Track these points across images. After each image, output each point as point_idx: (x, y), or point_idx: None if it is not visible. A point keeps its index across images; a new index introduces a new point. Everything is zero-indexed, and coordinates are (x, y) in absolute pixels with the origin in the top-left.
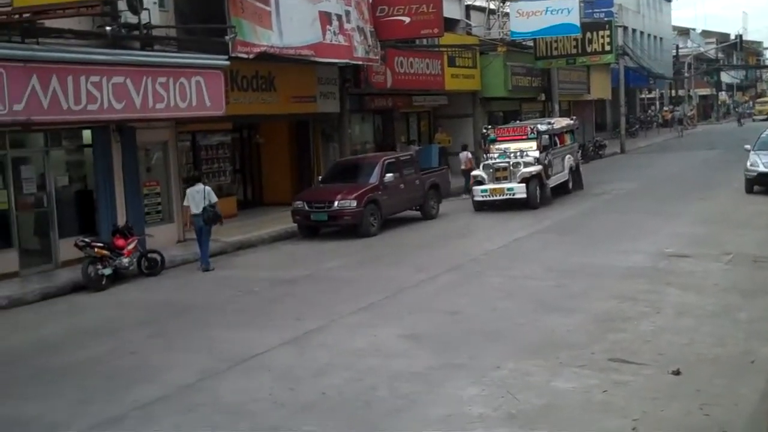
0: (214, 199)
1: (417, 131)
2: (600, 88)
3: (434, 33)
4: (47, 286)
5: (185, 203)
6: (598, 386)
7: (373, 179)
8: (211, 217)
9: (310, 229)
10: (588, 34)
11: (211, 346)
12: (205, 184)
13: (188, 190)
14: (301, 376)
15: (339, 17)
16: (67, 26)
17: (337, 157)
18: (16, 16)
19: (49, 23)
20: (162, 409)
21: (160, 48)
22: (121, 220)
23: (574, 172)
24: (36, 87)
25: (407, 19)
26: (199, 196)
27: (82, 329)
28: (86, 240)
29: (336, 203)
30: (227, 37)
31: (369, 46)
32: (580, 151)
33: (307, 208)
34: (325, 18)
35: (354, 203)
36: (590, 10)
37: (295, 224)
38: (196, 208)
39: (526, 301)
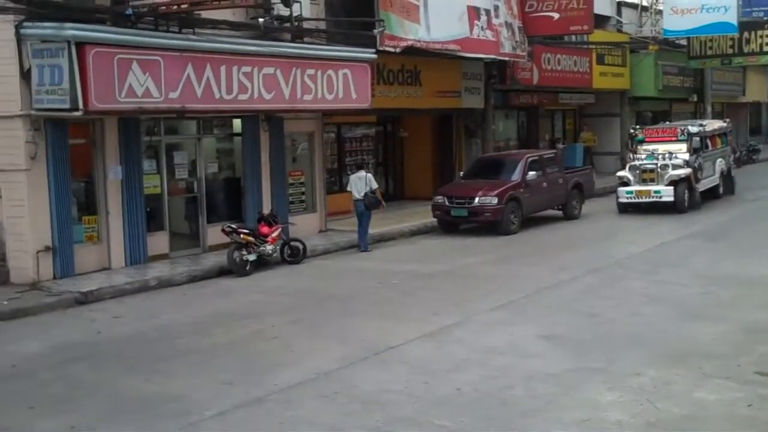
0: (375, 185)
1: (562, 129)
2: (756, 90)
3: (584, 29)
4: (194, 269)
5: (348, 189)
6: (743, 399)
7: (516, 177)
8: (372, 202)
9: (449, 225)
10: (745, 34)
11: (350, 336)
12: (367, 171)
13: (351, 177)
14: (436, 371)
15: (487, 12)
16: (222, 17)
17: (479, 153)
18: (175, 6)
19: (205, 14)
20: (300, 393)
21: (309, 40)
22: (267, 208)
23: (726, 176)
24: (191, 76)
25: (556, 15)
26: (361, 183)
27: (227, 312)
28: (233, 226)
29: (477, 199)
30: (375, 31)
31: (516, 41)
32: (733, 155)
33: (447, 203)
34: (474, 13)
35: (495, 200)
36: (748, 9)
37: (435, 219)
38: (357, 194)
39: (669, 307)
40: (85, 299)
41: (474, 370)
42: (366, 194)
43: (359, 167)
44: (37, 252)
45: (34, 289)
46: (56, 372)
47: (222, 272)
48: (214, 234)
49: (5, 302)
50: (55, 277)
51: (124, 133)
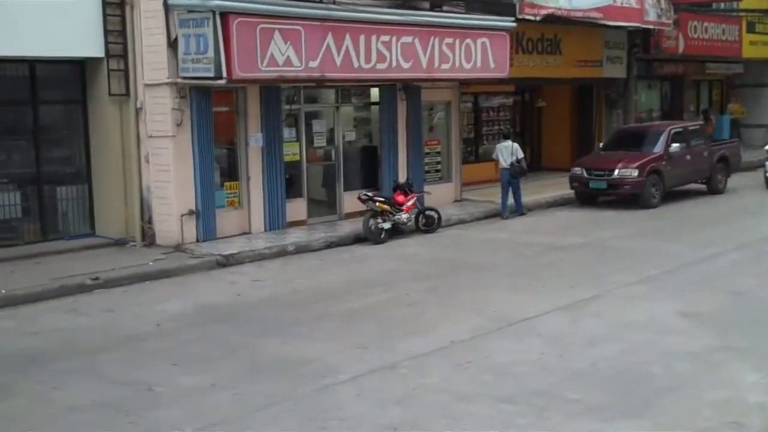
0: (521, 154)
1: (708, 100)
2: None
3: None
4: (331, 236)
5: (494, 157)
6: None
7: (658, 149)
8: (518, 171)
9: (587, 197)
10: None
11: (484, 306)
12: (513, 140)
13: (498, 146)
14: (571, 344)
15: None
16: None
17: (620, 125)
18: None
19: None
20: (433, 361)
21: (448, 9)
22: (402, 177)
23: None
24: (330, 45)
25: None
26: (507, 152)
27: (362, 279)
28: (369, 194)
29: (616, 171)
30: None
31: (662, 9)
32: None
33: (586, 175)
34: None
35: (635, 172)
36: None
37: (573, 191)
38: (504, 162)
39: None
40: (226, 262)
41: (610, 345)
42: (512, 163)
43: (506, 136)
44: (182, 216)
45: (178, 251)
46: (198, 332)
47: (357, 239)
48: (350, 201)
49: (151, 263)
50: (197, 240)
51: (265, 102)
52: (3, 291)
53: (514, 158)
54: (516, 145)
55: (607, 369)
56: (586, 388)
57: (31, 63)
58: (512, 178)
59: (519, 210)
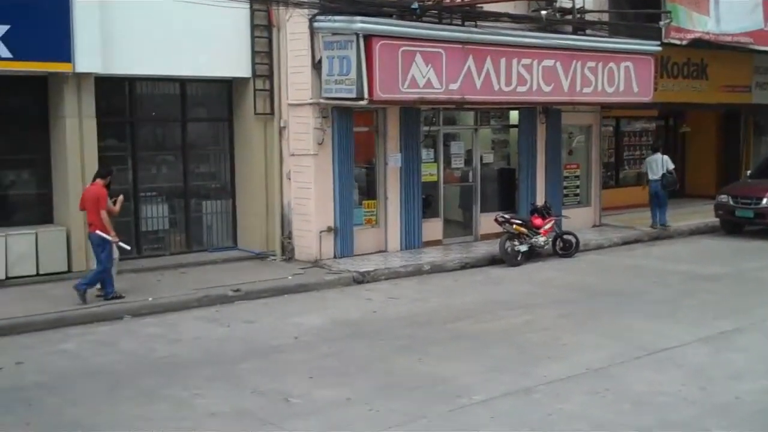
0: (672, 165)
1: None
2: None
3: None
4: (466, 257)
5: (643, 170)
6: None
7: None
8: (669, 182)
9: (733, 226)
10: None
11: (622, 333)
12: (662, 153)
13: (647, 159)
14: (714, 377)
15: None
16: (503, 10)
17: None
18: (459, 0)
19: (487, 7)
20: (570, 387)
21: (591, 32)
22: (540, 200)
23: None
24: (471, 67)
25: None
26: (656, 164)
27: (497, 301)
28: (506, 216)
29: (764, 200)
30: (661, 23)
31: None
32: None
33: (731, 203)
34: None
35: None
36: None
37: (717, 219)
38: (653, 175)
39: None
40: (362, 279)
41: (756, 380)
42: (664, 174)
43: (655, 150)
44: (320, 232)
45: (316, 267)
46: (334, 346)
47: (492, 261)
48: (486, 223)
49: (290, 277)
50: (335, 257)
51: (405, 123)
52: (150, 299)
53: (665, 169)
54: (666, 157)
55: (753, 403)
56: (730, 423)
57: (183, 82)
58: (663, 188)
59: (663, 222)
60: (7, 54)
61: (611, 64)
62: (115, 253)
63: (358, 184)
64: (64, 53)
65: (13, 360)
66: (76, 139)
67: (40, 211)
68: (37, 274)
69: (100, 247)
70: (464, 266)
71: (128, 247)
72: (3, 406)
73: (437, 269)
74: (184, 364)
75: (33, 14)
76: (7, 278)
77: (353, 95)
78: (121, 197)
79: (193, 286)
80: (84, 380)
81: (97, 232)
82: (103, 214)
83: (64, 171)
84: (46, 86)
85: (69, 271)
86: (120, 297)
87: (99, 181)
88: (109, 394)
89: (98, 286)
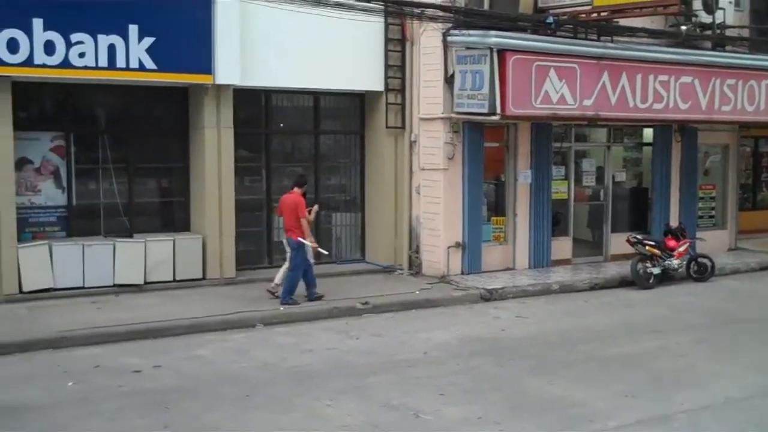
0: None
1: None
2: None
3: None
4: (595, 277)
5: None
6: None
7: None
8: None
9: None
10: None
11: (763, 363)
12: None
13: None
14: None
15: None
16: (640, 25)
17: None
18: (594, 14)
19: (623, 22)
20: (708, 417)
21: (731, 49)
22: (674, 221)
23: None
24: (606, 83)
25: None
26: None
27: (629, 323)
28: (638, 237)
29: None
30: None
31: None
32: None
33: None
34: None
35: None
36: None
37: None
38: None
39: None
40: (489, 296)
41: None
42: None
43: None
44: (448, 247)
45: (443, 282)
46: (463, 363)
47: (623, 283)
48: (616, 243)
49: (417, 292)
50: (462, 273)
51: (536, 139)
52: (281, 308)
53: None
54: None
55: None
56: None
57: (316, 95)
58: None
59: None
60: (152, 65)
61: (752, 82)
62: (311, 258)
63: (487, 200)
64: (205, 66)
65: (151, 363)
66: (214, 149)
67: (177, 218)
68: (174, 280)
69: (296, 251)
70: (594, 287)
71: (326, 252)
72: (141, 408)
73: (566, 289)
74: (315, 374)
75: (177, 28)
76: (146, 283)
77: (485, 110)
78: (316, 207)
79: (323, 298)
80: (219, 386)
81: (293, 238)
82: (303, 221)
83: (202, 180)
84: (187, 97)
85: (203, 278)
86: (320, 298)
87: (296, 189)
88: (243, 401)
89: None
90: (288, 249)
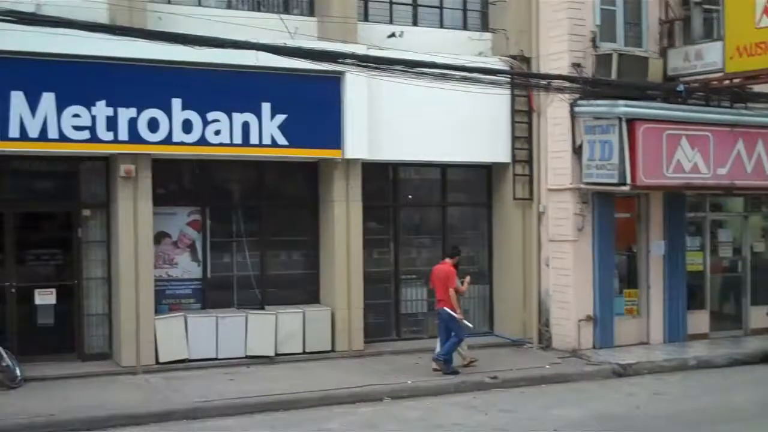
0: None
1: None
2: None
3: None
4: (735, 352)
5: None
6: None
7: None
8: None
9: None
10: None
11: None
12: None
13: None
14: None
15: None
16: None
17: None
18: (727, 81)
19: (758, 88)
20: None
21: None
22: None
23: None
24: (741, 151)
25: None
26: None
27: None
28: None
29: None
30: None
31: None
32: None
33: None
34: None
35: None
36: None
37: None
38: None
39: None
40: (623, 372)
41: None
42: None
43: None
44: (579, 321)
45: (574, 357)
46: None
47: (766, 358)
48: (756, 316)
49: (547, 366)
50: (594, 347)
51: (669, 209)
52: (409, 381)
53: None
54: None
55: None
56: None
57: (443, 167)
58: None
59: None
60: (283, 141)
61: None
62: (470, 326)
63: (619, 272)
64: (335, 141)
65: None
66: (343, 222)
67: (307, 290)
68: (303, 352)
69: (452, 321)
70: (734, 363)
71: (471, 326)
72: None
73: (704, 365)
74: None
75: (307, 105)
76: (276, 355)
77: (615, 180)
78: (468, 278)
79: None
80: None
81: (444, 309)
82: (451, 292)
83: (331, 252)
84: (317, 171)
85: (332, 350)
86: (455, 372)
87: (448, 260)
88: None
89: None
90: (438, 320)
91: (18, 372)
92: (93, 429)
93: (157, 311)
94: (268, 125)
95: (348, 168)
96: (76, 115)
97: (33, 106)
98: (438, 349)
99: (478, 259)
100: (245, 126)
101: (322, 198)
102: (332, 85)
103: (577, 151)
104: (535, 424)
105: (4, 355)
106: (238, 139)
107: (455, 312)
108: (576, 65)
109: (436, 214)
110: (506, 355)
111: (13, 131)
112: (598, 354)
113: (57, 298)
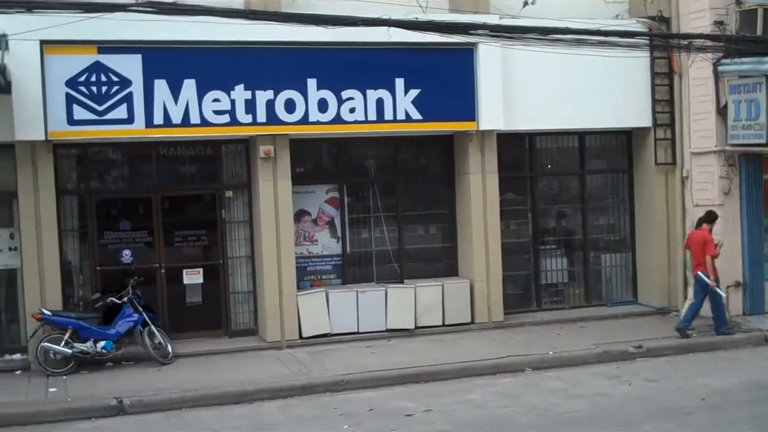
0: None
1: None
2: None
3: None
4: None
5: None
6: None
7: None
8: None
9: None
10: None
11: None
12: None
13: None
14: None
15: None
16: None
17: None
18: None
19: None
20: None
21: None
22: None
23: None
24: None
25: None
26: None
27: None
28: None
29: None
30: None
31: None
32: None
33: None
34: None
35: None
36: None
37: None
38: None
39: None
40: None
41: None
42: None
43: None
44: (727, 287)
45: None
46: (746, 410)
47: None
48: None
49: (694, 334)
50: (744, 313)
51: None
52: (551, 352)
53: None
54: None
55: None
56: None
57: (581, 134)
58: None
59: None
60: (417, 116)
61: None
62: (723, 295)
63: None
64: (469, 113)
65: (422, 407)
66: (479, 194)
67: (445, 263)
68: (443, 325)
69: (702, 285)
70: None
71: (723, 294)
72: None
73: None
74: (586, 421)
75: (440, 78)
76: (416, 328)
77: (763, 141)
78: (720, 242)
79: (592, 341)
80: (488, 431)
81: (700, 273)
82: (708, 258)
83: (468, 225)
84: (452, 144)
85: (472, 322)
86: (730, 333)
87: (705, 225)
88: None
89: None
90: (695, 284)
91: (170, 349)
92: (240, 402)
93: (299, 287)
94: (402, 100)
95: (483, 139)
96: (216, 100)
97: (175, 93)
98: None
99: (619, 227)
100: (379, 102)
101: (457, 170)
102: (465, 56)
103: (721, 111)
104: (681, 394)
105: (157, 333)
106: (372, 115)
107: (708, 279)
108: (718, 23)
109: (575, 182)
110: (650, 324)
111: (158, 118)
112: (749, 321)
113: (204, 277)
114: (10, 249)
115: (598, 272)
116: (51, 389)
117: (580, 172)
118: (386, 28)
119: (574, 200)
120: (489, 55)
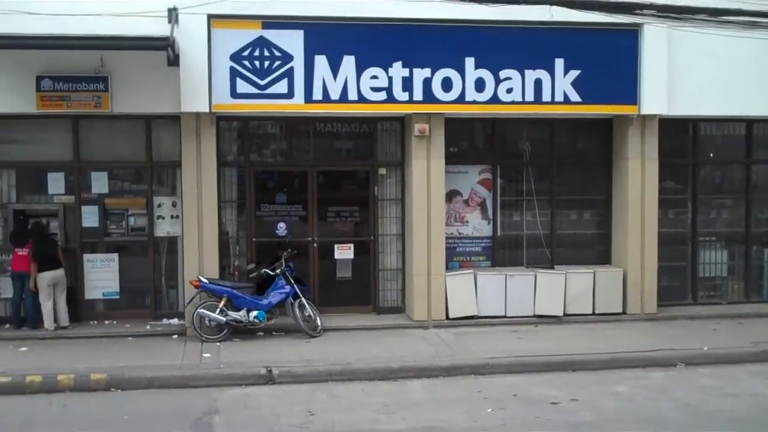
0: None
1: None
2: None
3: None
4: None
5: None
6: None
7: None
8: None
9: None
10: None
11: None
12: None
13: None
14: None
15: None
16: None
17: None
18: None
19: None
20: None
21: None
22: None
23: None
24: None
25: None
26: None
27: None
28: None
29: None
30: None
31: None
32: None
33: None
34: None
35: None
36: None
37: None
38: None
39: None
40: None
41: None
42: None
43: None
44: None
45: None
46: None
47: None
48: None
49: None
50: None
51: None
52: (705, 348)
53: None
54: None
55: None
56: None
57: (749, 122)
58: None
59: None
60: (576, 98)
61: None
62: None
63: None
64: (630, 96)
65: (568, 396)
66: (638, 181)
67: (598, 250)
68: (592, 313)
69: None
70: None
71: None
72: None
73: None
74: (738, 420)
75: (601, 60)
76: (564, 315)
77: None
78: None
79: (750, 339)
80: (635, 425)
81: None
82: None
83: (624, 212)
84: (610, 128)
85: (623, 312)
86: None
87: None
88: None
89: None
90: None
91: (318, 322)
92: (384, 379)
93: (447, 268)
94: (561, 82)
95: (644, 124)
96: (374, 77)
97: (334, 69)
98: None
99: None
100: (537, 83)
101: (615, 155)
102: (628, 37)
103: None
104: None
105: (307, 305)
106: (530, 96)
107: None
108: None
109: (740, 172)
110: None
111: (317, 94)
112: None
113: (354, 253)
114: (172, 217)
115: (760, 267)
116: (205, 354)
117: (746, 161)
118: (548, 6)
119: (737, 191)
120: (654, 37)
